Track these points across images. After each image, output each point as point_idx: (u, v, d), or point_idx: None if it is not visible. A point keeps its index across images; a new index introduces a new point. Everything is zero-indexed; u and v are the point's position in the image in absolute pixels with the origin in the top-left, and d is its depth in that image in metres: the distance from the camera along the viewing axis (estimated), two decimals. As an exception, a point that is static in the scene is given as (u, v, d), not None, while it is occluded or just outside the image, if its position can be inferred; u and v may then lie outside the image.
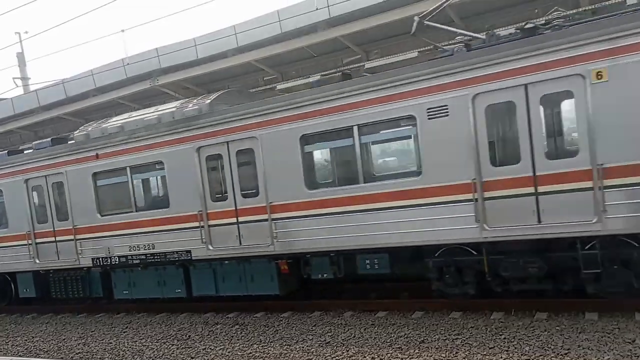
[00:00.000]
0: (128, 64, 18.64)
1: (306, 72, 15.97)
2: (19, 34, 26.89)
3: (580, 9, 13.30)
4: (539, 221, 7.56)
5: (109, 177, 11.51)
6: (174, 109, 10.86)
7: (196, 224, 10.38)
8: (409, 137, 8.86)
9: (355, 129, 8.77)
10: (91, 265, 11.93)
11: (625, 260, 7.45)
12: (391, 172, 9.69)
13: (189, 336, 9.69)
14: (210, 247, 10.33)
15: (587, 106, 7.10)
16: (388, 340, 7.93)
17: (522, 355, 6.72)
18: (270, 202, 9.61)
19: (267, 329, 9.42)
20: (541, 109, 7.50)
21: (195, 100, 11.08)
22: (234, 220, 10.04)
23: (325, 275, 9.73)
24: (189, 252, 10.57)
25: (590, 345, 6.71)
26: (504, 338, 7.36)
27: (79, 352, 9.64)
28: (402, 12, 14.27)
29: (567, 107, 7.53)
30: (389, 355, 7.34)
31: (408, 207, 8.47)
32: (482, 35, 8.66)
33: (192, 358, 8.46)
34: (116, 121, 11.73)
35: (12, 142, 24.53)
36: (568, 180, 7.33)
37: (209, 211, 10.27)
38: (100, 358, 9.13)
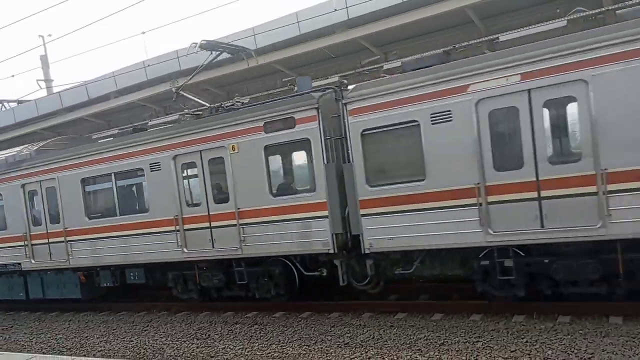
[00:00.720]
0: (149, 65, 18.85)
1: (325, 74, 15.97)
2: (42, 37, 27.51)
3: (603, 9, 13.09)
4: (213, 246, 10.75)
5: None
6: (14, 153, 14.43)
7: (22, 243, 13.85)
8: (142, 183, 11.88)
9: (113, 175, 12.02)
10: None
11: (269, 275, 10.57)
12: (135, 208, 12.36)
13: (209, 335, 9.79)
14: (33, 261, 13.74)
15: (230, 167, 10.42)
16: (407, 342, 7.90)
17: (544, 359, 6.64)
18: (65, 228, 12.92)
19: (285, 329, 9.46)
20: (209, 167, 10.74)
21: (29, 146, 14.86)
22: (46, 240, 13.40)
23: (108, 284, 12.79)
24: (19, 264, 14.05)
25: (615, 349, 6.61)
26: (526, 341, 7.27)
27: (101, 350, 9.81)
28: (420, 12, 14.23)
29: (222, 166, 10.61)
30: (408, 357, 7.31)
31: (145, 235, 11.61)
32: (210, 106, 11.93)
33: (211, 357, 8.55)
34: None
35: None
36: (224, 219, 10.54)
37: (31, 233, 13.71)
38: (122, 356, 9.28)
